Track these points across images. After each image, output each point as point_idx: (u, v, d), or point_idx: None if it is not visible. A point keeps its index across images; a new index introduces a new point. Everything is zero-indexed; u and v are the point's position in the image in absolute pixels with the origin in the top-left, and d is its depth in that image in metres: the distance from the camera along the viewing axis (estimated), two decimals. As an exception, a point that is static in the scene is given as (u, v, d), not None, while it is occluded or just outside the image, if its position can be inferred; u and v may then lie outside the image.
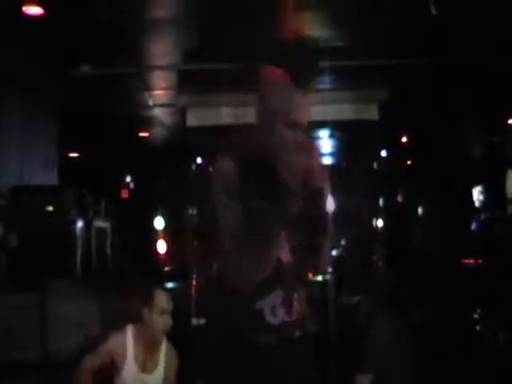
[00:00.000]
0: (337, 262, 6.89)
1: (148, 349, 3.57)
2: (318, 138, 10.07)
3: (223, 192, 2.20)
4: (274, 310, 2.25)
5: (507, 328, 5.73)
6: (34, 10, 5.19)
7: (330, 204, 2.36)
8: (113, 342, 3.55)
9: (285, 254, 2.29)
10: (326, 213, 2.30)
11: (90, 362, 3.52)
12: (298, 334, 2.32)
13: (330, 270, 5.52)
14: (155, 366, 3.57)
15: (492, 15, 5.44)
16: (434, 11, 4.91)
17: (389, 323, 3.87)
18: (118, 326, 3.65)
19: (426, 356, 4.69)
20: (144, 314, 3.52)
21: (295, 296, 2.31)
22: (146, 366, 3.55)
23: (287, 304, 2.27)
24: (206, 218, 2.36)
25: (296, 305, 2.30)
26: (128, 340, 3.54)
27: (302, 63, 2.26)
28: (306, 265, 2.36)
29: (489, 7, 5.27)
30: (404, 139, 10.61)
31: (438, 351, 5.11)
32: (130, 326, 3.58)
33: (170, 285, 6.34)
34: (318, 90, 7.51)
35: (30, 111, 8.17)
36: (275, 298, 2.26)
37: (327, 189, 2.22)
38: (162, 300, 3.55)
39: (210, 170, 2.30)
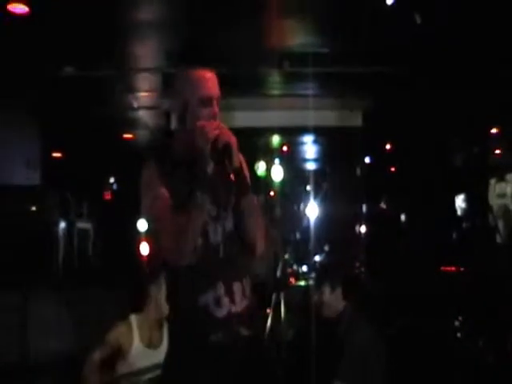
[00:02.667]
0: (319, 268, 6.88)
1: (153, 326, 3.69)
2: (301, 143, 10.09)
3: (151, 188, 2.34)
4: (219, 301, 2.30)
5: (488, 336, 5.77)
6: (19, 9, 5.19)
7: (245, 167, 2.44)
8: (119, 329, 3.62)
9: (213, 234, 2.36)
10: (242, 174, 2.37)
11: (99, 352, 3.55)
12: (248, 328, 2.35)
13: (312, 276, 5.52)
14: (161, 340, 3.67)
15: (474, 26, 5.50)
16: (418, 20, 4.96)
17: (369, 331, 3.87)
18: (100, 327, 3.67)
19: (405, 364, 4.71)
20: (151, 291, 3.66)
21: (236, 285, 2.34)
22: (151, 342, 3.65)
23: (229, 293, 2.32)
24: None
25: (238, 294, 2.34)
26: (133, 326, 3.63)
27: None
28: (235, 244, 2.39)
29: (472, 18, 5.33)
30: (387, 147, 10.66)
31: (417, 358, 5.13)
32: (133, 314, 3.68)
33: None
34: (302, 96, 7.55)
35: (13, 111, 8.12)
36: (217, 290, 2.30)
37: (235, 147, 2.29)
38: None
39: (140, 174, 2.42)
